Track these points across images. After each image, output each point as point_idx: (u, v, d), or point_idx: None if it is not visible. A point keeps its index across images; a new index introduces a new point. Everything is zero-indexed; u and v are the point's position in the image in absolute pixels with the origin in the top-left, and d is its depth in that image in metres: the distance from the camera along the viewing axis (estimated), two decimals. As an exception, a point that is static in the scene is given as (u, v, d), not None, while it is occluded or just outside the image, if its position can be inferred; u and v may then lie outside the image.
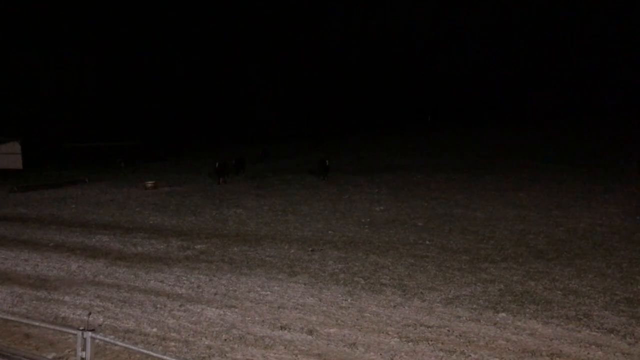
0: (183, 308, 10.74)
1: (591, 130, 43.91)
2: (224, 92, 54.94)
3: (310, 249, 14.86)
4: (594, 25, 57.71)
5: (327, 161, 28.15)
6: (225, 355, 8.70)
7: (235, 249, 15.06)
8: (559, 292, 11.16)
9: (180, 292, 11.68)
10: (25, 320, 9.23)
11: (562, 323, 9.62)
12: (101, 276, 12.92)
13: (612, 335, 9.10)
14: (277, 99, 56.18)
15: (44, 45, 47.01)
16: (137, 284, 12.28)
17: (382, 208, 20.10)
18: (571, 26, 58.49)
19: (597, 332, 9.24)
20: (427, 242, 15.29)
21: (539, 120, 52.24)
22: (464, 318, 9.95)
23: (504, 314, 10.07)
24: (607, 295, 10.87)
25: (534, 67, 59.94)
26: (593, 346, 8.71)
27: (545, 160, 31.45)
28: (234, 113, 54.56)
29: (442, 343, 8.93)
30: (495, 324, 9.64)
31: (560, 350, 8.58)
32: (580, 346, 8.73)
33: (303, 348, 8.88)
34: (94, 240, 16.42)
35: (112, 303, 11.10)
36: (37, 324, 8.83)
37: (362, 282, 12.05)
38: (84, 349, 6.97)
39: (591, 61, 57.56)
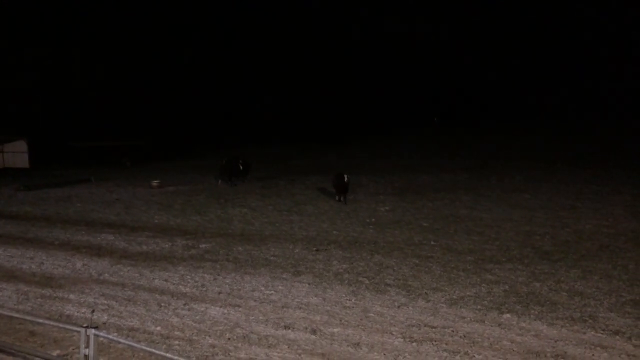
0: (187, 307, 10.76)
1: (598, 131, 43.71)
2: (229, 90, 55.01)
3: (314, 248, 14.85)
4: (596, 24, 57.47)
5: (346, 176, 20.85)
6: (228, 354, 8.71)
7: (240, 248, 15.08)
8: (564, 293, 11.11)
9: (184, 291, 11.70)
10: (30, 318, 9.28)
11: (567, 324, 9.58)
12: (106, 274, 12.96)
13: (617, 337, 9.06)
14: (282, 99, 56.22)
15: (50, 43, 47.20)
16: (141, 283, 12.32)
17: (387, 208, 20.07)
18: (575, 24, 58.25)
19: (602, 333, 9.20)
20: (432, 243, 15.25)
21: (546, 121, 52.05)
22: (469, 319, 9.92)
23: (508, 315, 10.04)
24: (613, 297, 10.82)
25: (540, 67, 59.69)
26: (598, 348, 8.66)
27: (551, 161, 31.32)
28: (240, 112, 54.61)
29: (446, 343, 8.91)
30: (499, 325, 9.61)
31: (565, 352, 8.54)
32: (585, 348, 8.68)
33: (306, 347, 8.87)
34: (99, 238, 16.47)
35: (116, 301, 11.14)
36: (41, 321, 8.89)
37: (367, 282, 12.04)
38: (87, 347, 7.01)
39: (599, 60, 57.31)
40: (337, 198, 21.10)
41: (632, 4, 54.13)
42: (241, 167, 25.88)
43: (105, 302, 11.13)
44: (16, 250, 15.26)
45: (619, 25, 56.64)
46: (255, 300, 11.03)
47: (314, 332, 9.44)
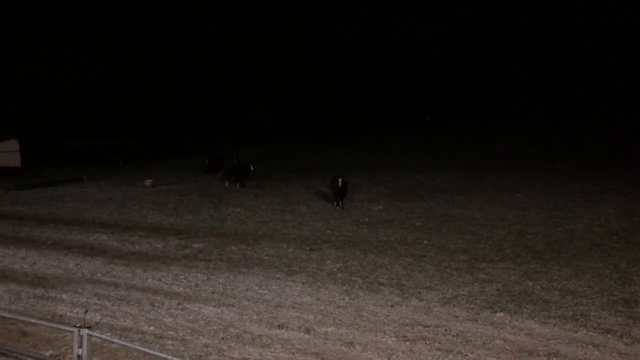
0: (180, 306, 10.74)
1: (590, 131, 43.94)
2: (223, 89, 54.89)
3: (308, 248, 14.86)
4: (592, 26, 57.68)
5: (340, 180, 19.52)
6: (222, 353, 8.70)
7: (233, 247, 15.06)
8: (557, 292, 11.18)
9: (177, 291, 11.68)
10: (22, 318, 9.24)
11: (560, 323, 9.63)
12: (99, 274, 12.92)
13: (609, 335, 9.12)
14: (276, 98, 56.17)
15: (43, 42, 46.98)
16: (134, 282, 12.28)
17: (380, 208, 20.10)
18: (570, 26, 58.47)
19: (594, 332, 9.26)
20: (425, 242, 15.29)
21: (538, 120, 52.26)
22: (462, 318, 9.96)
23: (501, 314, 10.08)
24: (605, 296, 10.89)
25: (534, 67, 59.89)
26: (590, 346, 8.72)
27: (544, 161, 31.46)
28: (234, 111, 54.54)
29: (440, 342, 8.94)
30: (492, 324, 9.66)
31: (557, 350, 8.60)
32: (577, 346, 8.74)
33: (300, 347, 8.88)
34: (91, 238, 16.41)
35: (109, 301, 11.10)
36: (34, 321, 8.84)
37: (360, 281, 12.06)
38: (80, 347, 6.99)
39: (592, 61, 57.51)
40: (335, 204, 20.04)
41: (632, 3, 54.39)
42: (237, 162, 25.87)
43: (98, 302, 11.09)
44: (8, 250, 15.18)
45: (618, 25, 56.83)
46: (248, 300, 11.03)
47: (307, 331, 9.45)
